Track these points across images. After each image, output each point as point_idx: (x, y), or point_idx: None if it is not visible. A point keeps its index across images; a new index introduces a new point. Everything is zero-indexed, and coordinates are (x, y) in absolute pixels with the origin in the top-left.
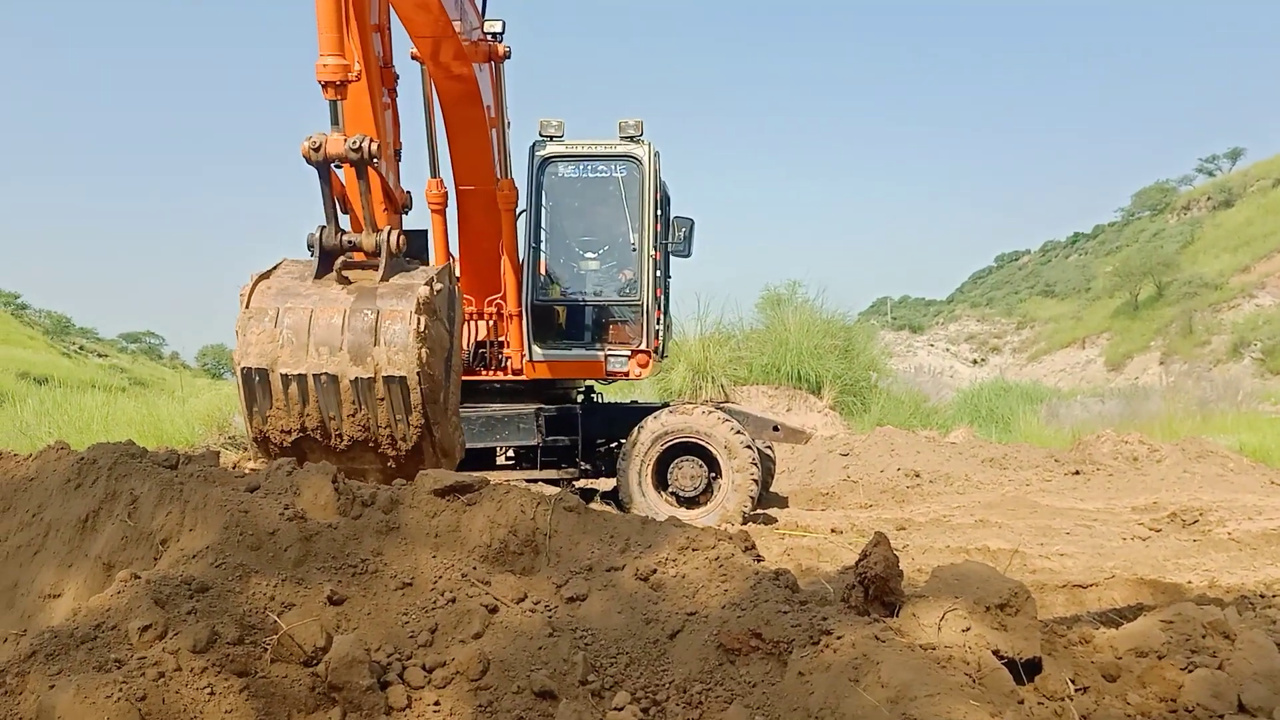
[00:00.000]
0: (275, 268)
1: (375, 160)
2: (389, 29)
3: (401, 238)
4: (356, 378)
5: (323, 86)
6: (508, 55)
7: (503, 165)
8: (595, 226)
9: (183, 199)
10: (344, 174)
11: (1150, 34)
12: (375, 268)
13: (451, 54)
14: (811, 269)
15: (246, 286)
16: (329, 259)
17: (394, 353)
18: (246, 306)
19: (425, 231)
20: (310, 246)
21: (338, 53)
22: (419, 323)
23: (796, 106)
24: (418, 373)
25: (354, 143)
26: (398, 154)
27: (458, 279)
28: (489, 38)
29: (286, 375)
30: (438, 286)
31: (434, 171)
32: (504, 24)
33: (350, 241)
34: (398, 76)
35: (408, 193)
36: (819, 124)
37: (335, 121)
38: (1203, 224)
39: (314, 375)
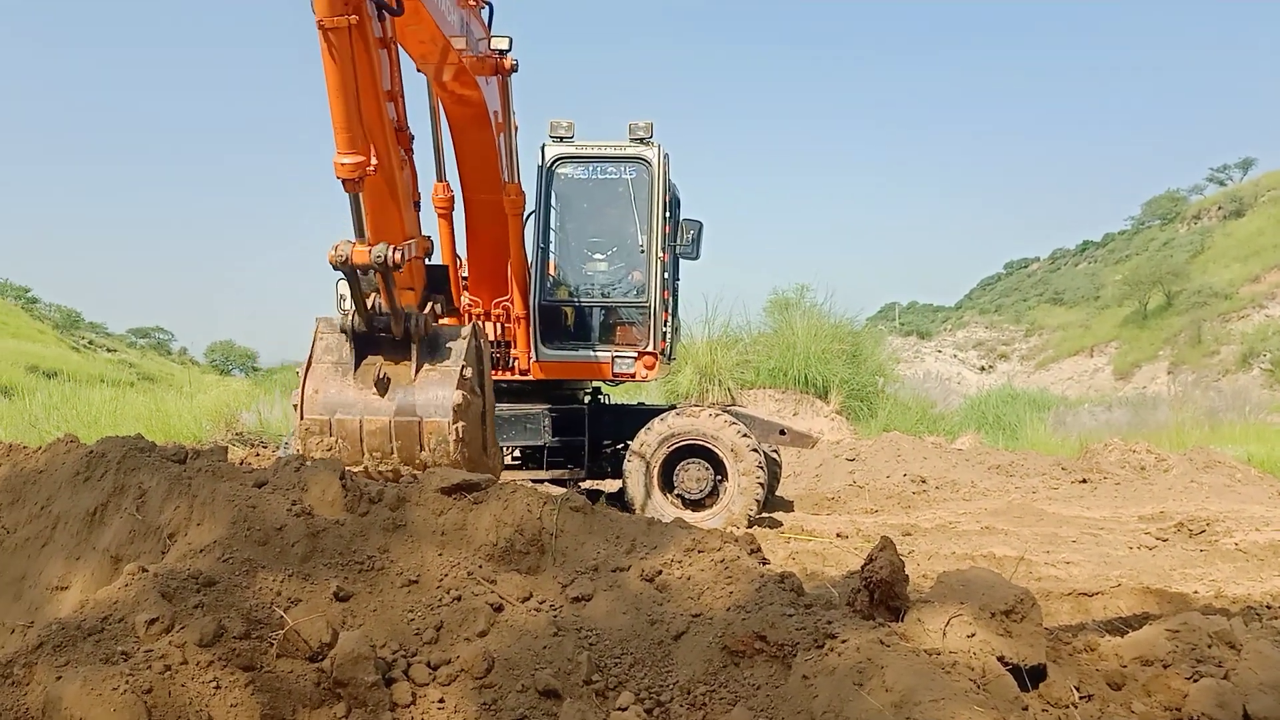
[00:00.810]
0: (313, 358)
1: (399, 266)
2: (402, 95)
3: (427, 321)
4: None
5: (342, 183)
6: (515, 68)
7: (510, 170)
8: (604, 228)
9: (194, 196)
10: (363, 199)
11: (1163, 42)
12: (407, 349)
13: (456, 75)
14: (820, 273)
15: (297, 394)
16: (363, 345)
17: (438, 456)
18: (301, 418)
19: (444, 267)
20: (344, 331)
21: (353, 150)
22: (458, 430)
23: (806, 110)
24: (461, 452)
25: (378, 255)
26: (416, 205)
27: (482, 334)
28: (496, 54)
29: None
30: (468, 372)
31: (440, 175)
32: (511, 40)
33: (380, 326)
34: (413, 137)
35: (416, 199)
36: (829, 128)
37: (356, 214)
38: (1213, 233)
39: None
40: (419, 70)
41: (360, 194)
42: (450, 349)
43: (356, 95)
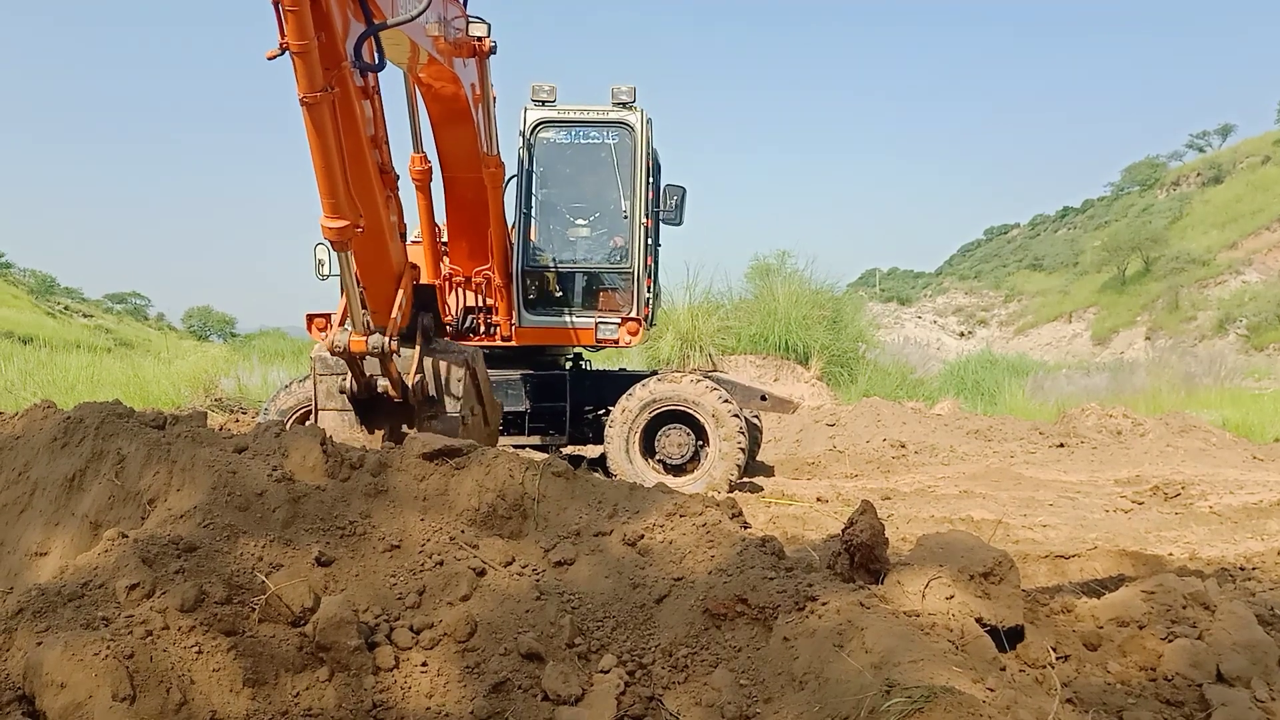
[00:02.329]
0: (319, 405)
1: (396, 350)
2: (387, 140)
3: (425, 386)
4: None
5: (331, 244)
6: (493, 51)
7: (490, 142)
8: (586, 193)
9: (169, 160)
10: (352, 246)
11: (1143, 9)
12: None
13: (432, 73)
14: (801, 240)
15: None
16: (361, 407)
17: None
18: None
19: (431, 287)
20: (343, 392)
21: (338, 215)
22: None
23: (788, 79)
24: None
25: (375, 345)
26: (403, 235)
27: (478, 361)
28: (475, 39)
29: None
30: (471, 417)
31: (416, 146)
32: (489, 26)
33: (378, 387)
34: (398, 177)
35: (402, 231)
36: (810, 96)
37: (346, 268)
38: (1191, 200)
39: None
40: (394, 64)
41: (349, 251)
42: (447, 391)
43: (341, 162)
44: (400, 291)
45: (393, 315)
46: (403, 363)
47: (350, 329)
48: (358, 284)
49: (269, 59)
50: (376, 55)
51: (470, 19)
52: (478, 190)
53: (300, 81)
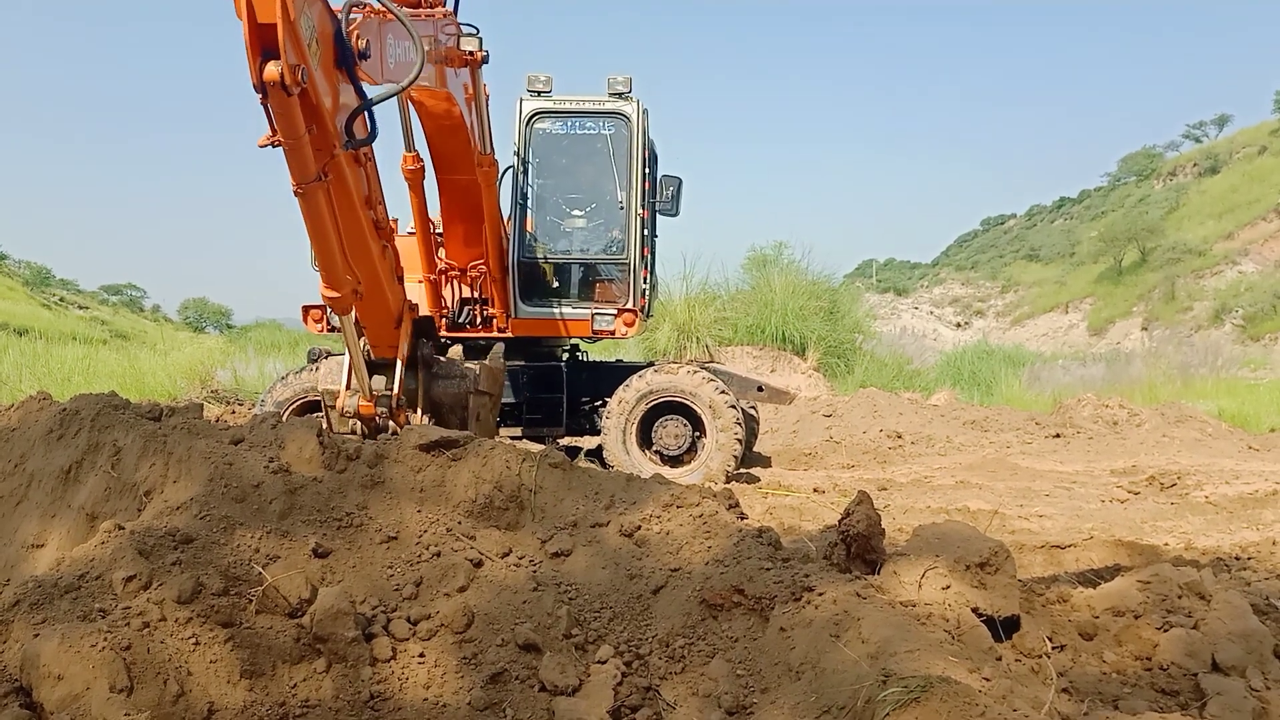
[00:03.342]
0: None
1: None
2: (383, 200)
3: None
4: None
5: (334, 310)
6: (486, 60)
7: (483, 141)
8: (582, 184)
9: (165, 153)
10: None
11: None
12: None
13: (427, 94)
14: (797, 230)
15: None
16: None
17: None
18: None
19: (429, 318)
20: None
21: (337, 285)
22: None
23: (784, 70)
24: None
25: (381, 408)
26: (400, 280)
27: (502, 362)
28: (467, 54)
29: None
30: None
31: (408, 146)
32: (480, 40)
33: (388, 431)
34: (394, 230)
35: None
36: (806, 87)
37: (355, 335)
38: (1188, 190)
39: None
40: None
41: (353, 315)
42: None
43: (338, 238)
44: (400, 330)
45: (398, 353)
46: (408, 395)
47: (359, 394)
48: (361, 343)
49: (260, 147)
50: (369, 123)
51: (462, 32)
52: (472, 188)
53: (293, 173)
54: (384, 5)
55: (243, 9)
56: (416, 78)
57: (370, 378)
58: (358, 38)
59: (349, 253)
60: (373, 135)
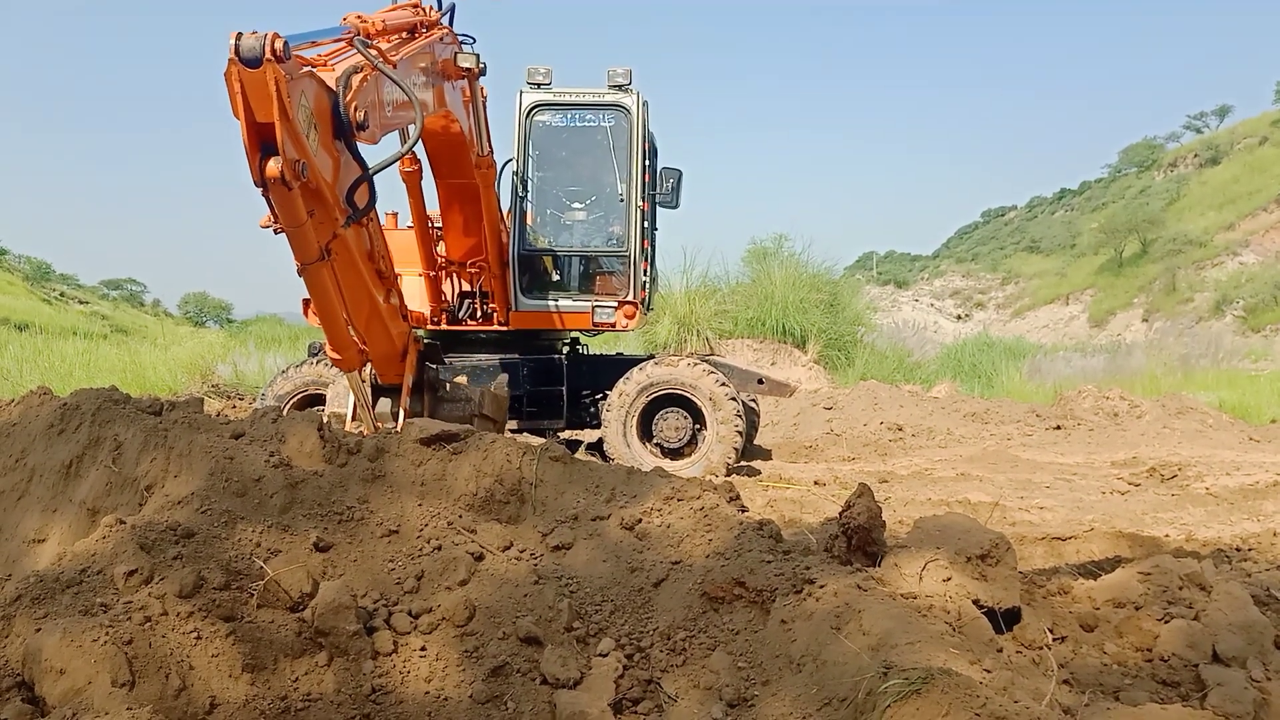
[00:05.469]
0: None
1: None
2: (386, 253)
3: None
4: None
5: (339, 369)
6: (483, 71)
7: (481, 143)
8: (582, 177)
9: (166, 147)
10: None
11: None
12: None
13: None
14: (798, 223)
15: None
16: None
17: None
18: None
19: (436, 344)
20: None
21: (344, 349)
22: None
23: (784, 63)
24: None
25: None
26: (405, 317)
27: (506, 391)
28: (465, 70)
29: None
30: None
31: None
32: (477, 56)
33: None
34: (397, 276)
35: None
36: (807, 80)
37: (359, 384)
38: (1189, 181)
39: None
40: None
41: (363, 370)
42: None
43: (343, 306)
44: (405, 361)
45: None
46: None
47: (363, 425)
48: (368, 369)
49: (262, 228)
50: (370, 192)
51: (460, 48)
52: (470, 189)
53: (296, 255)
54: (388, 75)
55: (239, 108)
56: (412, 146)
57: (376, 403)
58: (355, 109)
59: (351, 309)
60: (373, 202)
